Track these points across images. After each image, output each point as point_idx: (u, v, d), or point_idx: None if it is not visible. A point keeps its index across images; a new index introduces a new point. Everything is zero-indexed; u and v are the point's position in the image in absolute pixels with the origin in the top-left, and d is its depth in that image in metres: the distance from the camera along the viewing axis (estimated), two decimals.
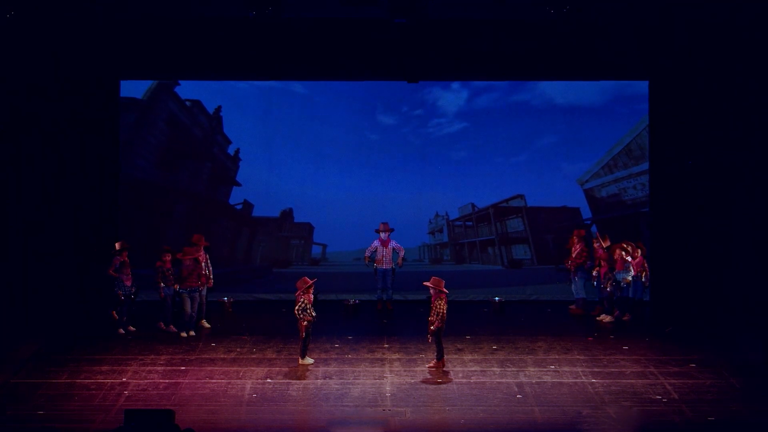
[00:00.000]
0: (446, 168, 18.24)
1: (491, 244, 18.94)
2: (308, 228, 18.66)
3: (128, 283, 15.16)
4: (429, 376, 12.90)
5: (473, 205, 18.72)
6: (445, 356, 13.41)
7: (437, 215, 18.75)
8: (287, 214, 18.60)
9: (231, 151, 18.36)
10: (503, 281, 18.41)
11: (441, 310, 13.02)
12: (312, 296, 13.43)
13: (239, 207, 18.51)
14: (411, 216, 18.16)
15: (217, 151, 18.41)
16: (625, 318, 15.92)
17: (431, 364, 13.27)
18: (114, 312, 15.15)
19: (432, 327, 13.07)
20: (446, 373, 13.03)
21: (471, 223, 18.92)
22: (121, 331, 15.06)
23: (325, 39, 15.92)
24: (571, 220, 18.36)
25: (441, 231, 18.88)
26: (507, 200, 18.76)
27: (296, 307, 13.28)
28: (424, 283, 13.30)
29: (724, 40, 15.46)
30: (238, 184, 18.39)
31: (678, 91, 16.35)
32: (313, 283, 13.37)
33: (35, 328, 14.81)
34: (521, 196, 18.60)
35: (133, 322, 15.38)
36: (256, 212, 18.57)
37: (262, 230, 18.61)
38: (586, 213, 18.53)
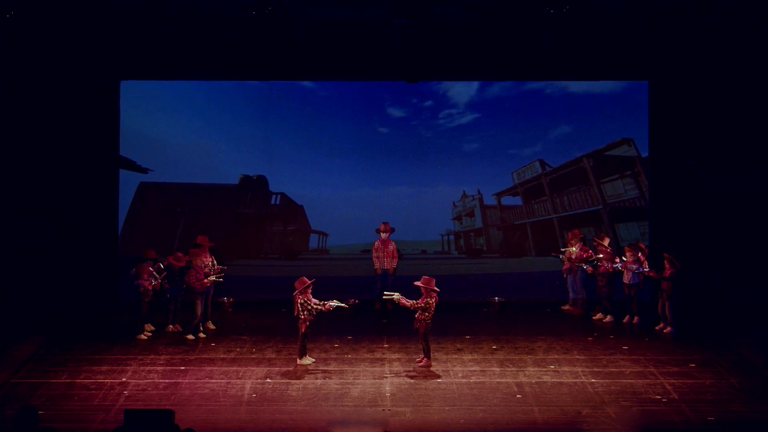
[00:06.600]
0: (458, 159, 17.27)
1: (570, 224, 14.34)
2: (287, 203, 15.05)
3: (148, 286, 14.72)
4: (429, 376, 12.90)
5: (543, 163, 14.64)
6: (446, 356, 13.45)
7: (465, 195, 16.12)
8: (254, 182, 14.69)
9: None
10: None
11: (430, 309, 13.04)
12: (310, 296, 13.37)
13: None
14: (422, 208, 17.37)
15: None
16: (627, 319, 15.91)
17: (422, 362, 13.26)
18: (141, 324, 14.76)
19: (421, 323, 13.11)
20: (446, 373, 13.03)
21: (521, 200, 15.65)
22: (143, 336, 14.65)
23: (325, 39, 15.92)
24: None
25: (471, 214, 15.98)
26: (602, 150, 14.10)
27: (298, 302, 13.20)
28: (415, 284, 13.25)
29: (724, 40, 15.47)
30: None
31: (678, 91, 16.36)
32: (311, 283, 13.32)
33: (35, 328, 14.78)
34: (629, 141, 13.96)
35: (151, 321, 15.11)
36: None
37: (210, 204, 15.08)
38: None
